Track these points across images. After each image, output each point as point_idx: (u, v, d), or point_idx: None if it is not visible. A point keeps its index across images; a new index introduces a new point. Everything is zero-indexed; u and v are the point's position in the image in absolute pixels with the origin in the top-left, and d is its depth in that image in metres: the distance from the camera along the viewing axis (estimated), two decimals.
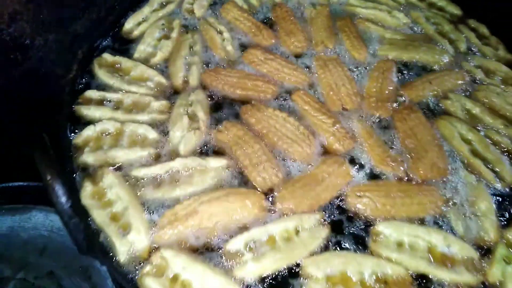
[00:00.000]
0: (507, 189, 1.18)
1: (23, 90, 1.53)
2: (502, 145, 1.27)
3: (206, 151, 1.20)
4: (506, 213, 1.14)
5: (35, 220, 1.52)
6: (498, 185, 1.18)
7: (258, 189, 1.12)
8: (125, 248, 0.99)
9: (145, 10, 1.54)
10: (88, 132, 1.19)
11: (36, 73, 1.53)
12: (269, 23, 1.58)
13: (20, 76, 1.50)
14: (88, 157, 1.14)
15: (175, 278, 0.96)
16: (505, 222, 1.12)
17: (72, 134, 1.21)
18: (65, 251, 1.45)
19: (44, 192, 1.49)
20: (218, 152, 1.20)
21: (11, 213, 1.52)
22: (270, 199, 1.11)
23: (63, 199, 0.73)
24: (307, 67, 1.44)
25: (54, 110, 1.32)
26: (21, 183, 1.55)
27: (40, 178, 1.47)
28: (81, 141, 1.18)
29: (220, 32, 1.50)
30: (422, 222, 1.11)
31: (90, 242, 0.81)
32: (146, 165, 1.13)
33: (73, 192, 0.89)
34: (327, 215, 1.10)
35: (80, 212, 0.77)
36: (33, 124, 1.42)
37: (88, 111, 1.24)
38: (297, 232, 1.06)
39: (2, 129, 1.56)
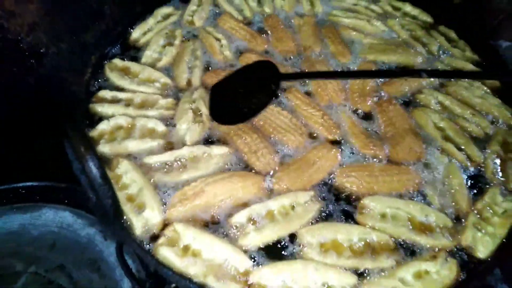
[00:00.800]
0: (476, 168, 1.34)
1: (37, 95, 1.66)
2: (471, 130, 1.43)
3: (209, 141, 1.34)
4: (476, 187, 1.29)
5: (45, 218, 1.61)
6: (468, 164, 1.34)
7: (257, 171, 1.26)
8: (140, 223, 1.11)
9: (150, 21, 1.70)
10: (103, 126, 1.32)
11: (49, 79, 1.67)
12: (261, 31, 1.75)
13: (34, 82, 1.63)
14: (104, 148, 1.27)
15: (186, 248, 1.09)
16: (475, 195, 1.27)
17: (88, 129, 1.34)
18: (74, 246, 1.55)
19: (55, 189, 1.61)
20: (220, 142, 1.34)
21: (22, 211, 1.61)
22: (268, 180, 1.25)
23: (95, 168, 0.85)
24: (297, 68, 1.61)
25: (70, 110, 1.45)
26: (32, 183, 1.65)
27: (49, 177, 1.60)
28: (97, 134, 1.31)
29: (218, 39, 1.67)
30: (402, 197, 1.25)
31: (116, 208, 0.93)
32: (156, 153, 1.26)
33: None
34: (319, 193, 1.24)
35: (108, 181, 0.89)
36: (49, 124, 1.55)
37: (102, 108, 1.37)
38: (292, 207, 1.19)
39: (15, 131, 1.68)
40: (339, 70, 1.53)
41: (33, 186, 1.63)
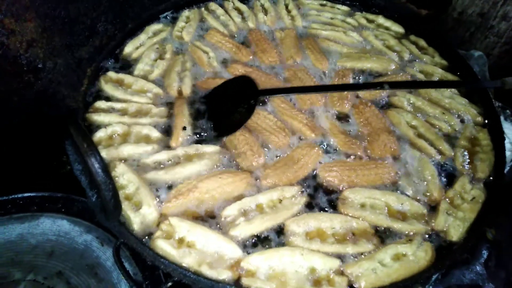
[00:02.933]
0: (446, 161, 1.46)
1: (34, 108, 1.74)
2: (441, 127, 1.56)
3: (201, 141, 1.44)
4: (446, 178, 1.41)
5: (43, 226, 1.66)
6: (439, 158, 1.46)
7: (246, 169, 1.36)
8: (138, 219, 1.19)
9: (142, 37, 1.81)
10: (101, 133, 1.40)
11: (45, 93, 1.76)
12: (246, 44, 1.88)
13: (32, 96, 1.72)
14: (102, 153, 1.34)
15: (181, 240, 1.16)
16: (446, 185, 1.38)
17: None
18: (72, 253, 1.60)
19: (52, 199, 1.68)
20: (211, 141, 1.44)
21: (20, 221, 1.66)
22: (256, 178, 1.34)
23: (97, 163, 0.94)
24: (280, 76, 1.73)
25: (67, 120, 1.53)
26: (29, 194, 1.71)
27: (46, 188, 1.67)
28: (95, 141, 1.39)
29: (206, 52, 1.78)
30: (380, 188, 1.36)
31: (116, 200, 1.01)
32: (153, 154, 1.35)
33: None
34: (304, 187, 1.34)
35: (109, 174, 0.98)
36: (46, 136, 1.63)
37: (99, 117, 1.45)
38: (280, 201, 1.28)
39: (13, 144, 1.75)
40: (310, 85, 1.65)
41: (30, 196, 1.70)
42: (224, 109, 1.48)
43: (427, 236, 1.25)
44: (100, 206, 1.05)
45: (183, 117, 1.48)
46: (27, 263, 1.54)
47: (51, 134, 1.54)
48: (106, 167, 0.95)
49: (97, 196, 1.06)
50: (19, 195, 1.68)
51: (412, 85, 1.66)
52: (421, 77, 1.76)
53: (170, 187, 1.29)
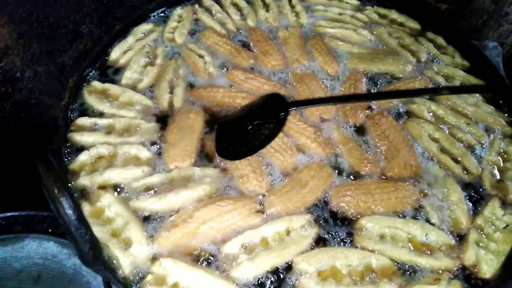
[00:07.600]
0: (474, 180, 1.30)
1: (15, 121, 1.58)
2: (466, 141, 1.39)
3: (199, 163, 1.28)
4: (475, 201, 1.25)
5: (28, 249, 1.54)
6: (466, 177, 1.30)
7: (248, 194, 1.20)
8: (128, 260, 1.04)
9: (130, 40, 1.63)
10: (83, 157, 1.24)
11: (26, 104, 1.60)
12: (246, 46, 1.69)
13: (11, 108, 1.56)
14: (85, 180, 1.19)
15: (175, 285, 1.02)
16: (475, 210, 1.22)
17: (68, 159, 1.26)
18: (60, 278, 1.49)
19: (37, 218, 1.53)
20: (210, 164, 1.29)
21: (3, 244, 1.54)
22: (260, 204, 1.19)
23: (70, 211, 0.78)
24: (285, 82, 1.56)
25: (48, 137, 1.37)
26: (12, 213, 1.58)
27: (31, 206, 1.53)
28: (77, 166, 1.23)
29: (202, 56, 1.60)
30: (401, 215, 1.20)
31: (96, 252, 0.86)
32: (144, 177, 1.20)
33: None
34: (314, 215, 1.18)
35: (85, 223, 0.82)
36: (27, 152, 1.47)
37: (82, 137, 1.29)
38: (288, 232, 1.13)
39: None
40: (345, 94, 1.48)
41: (13, 216, 1.57)
42: (249, 129, 1.31)
43: (456, 272, 1.09)
44: (79, 253, 0.90)
45: None
46: None
47: (34, 147, 1.39)
48: (81, 215, 0.79)
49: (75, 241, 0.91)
50: (1, 215, 1.56)
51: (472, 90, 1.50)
52: (441, 80, 1.59)
53: (163, 218, 1.14)
